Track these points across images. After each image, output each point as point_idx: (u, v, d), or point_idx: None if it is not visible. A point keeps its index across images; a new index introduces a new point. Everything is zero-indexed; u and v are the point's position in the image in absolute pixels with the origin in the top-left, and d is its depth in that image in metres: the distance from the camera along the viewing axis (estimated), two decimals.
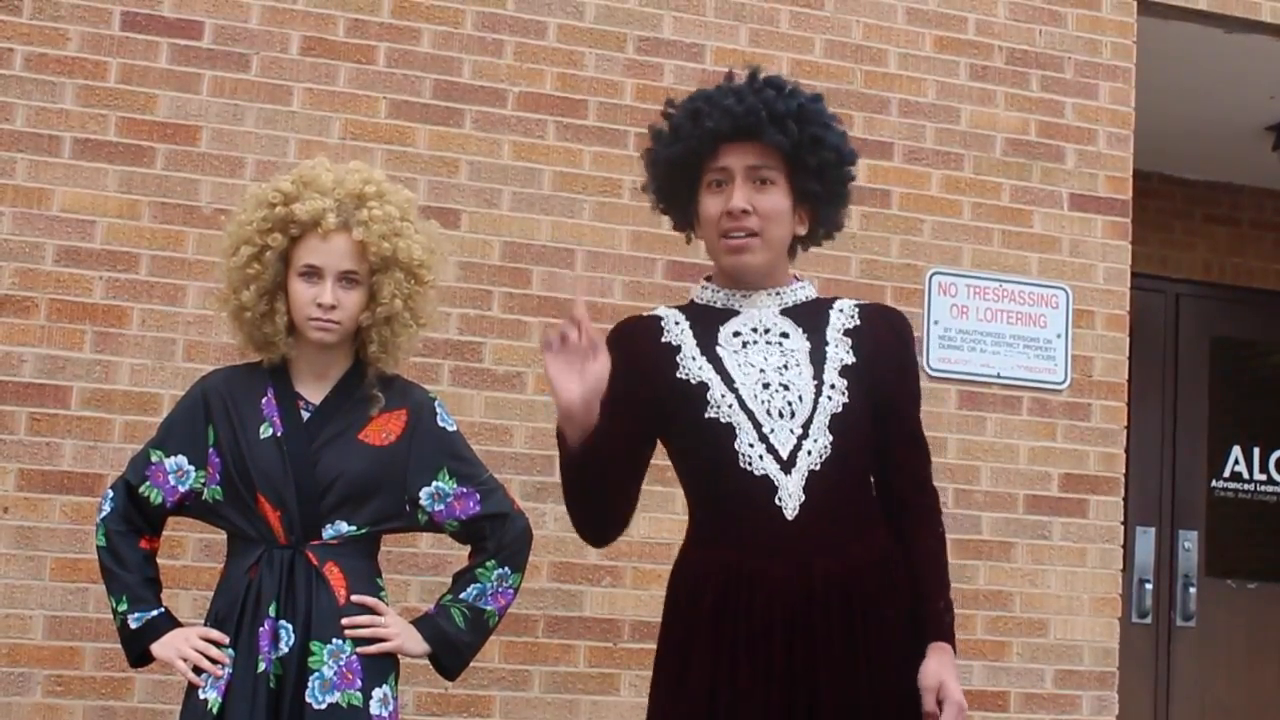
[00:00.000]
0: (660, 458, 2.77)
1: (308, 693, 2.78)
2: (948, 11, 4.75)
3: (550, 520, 4.12)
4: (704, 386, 2.67)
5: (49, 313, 3.94)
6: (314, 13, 4.22)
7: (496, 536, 2.98)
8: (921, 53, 4.72)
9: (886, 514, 2.76)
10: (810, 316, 2.76)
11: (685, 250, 4.13)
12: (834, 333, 2.74)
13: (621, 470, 2.69)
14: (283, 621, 2.81)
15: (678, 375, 2.69)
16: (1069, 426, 4.70)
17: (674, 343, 2.74)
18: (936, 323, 4.62)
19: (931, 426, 4.51)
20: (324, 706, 2.78)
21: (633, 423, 2.64)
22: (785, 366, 2.69)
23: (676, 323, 2.77)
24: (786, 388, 2.67)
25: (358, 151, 4.08)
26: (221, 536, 2.97)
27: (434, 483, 2.96)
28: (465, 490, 2.98)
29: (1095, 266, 4.79)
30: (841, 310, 2.79)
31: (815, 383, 2.67)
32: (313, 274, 2.89)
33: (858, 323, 2.78)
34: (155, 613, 2.90)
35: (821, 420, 2.65)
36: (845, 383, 2.69)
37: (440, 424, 3.00)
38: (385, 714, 2.85)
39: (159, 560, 2.98)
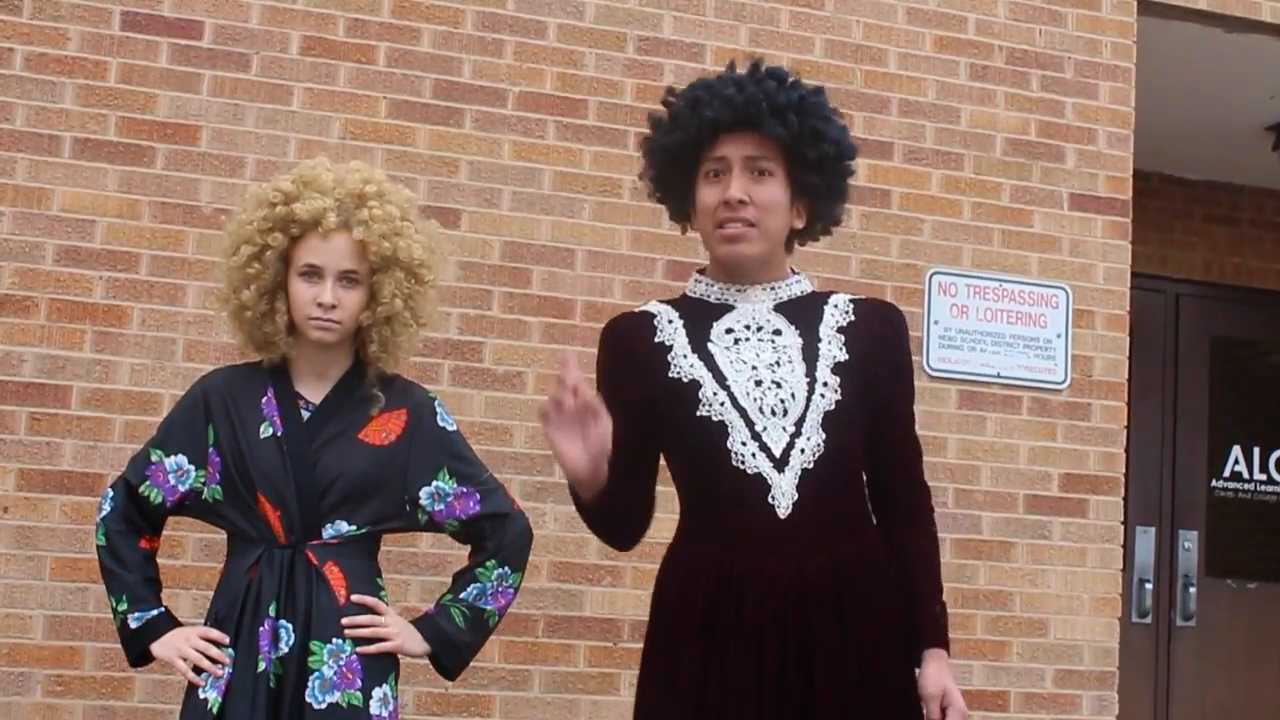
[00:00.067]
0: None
1: (308, 692, 2.78)
2: (948, 11, 4.75)
3: (550, 520, 4.12)
4: (695, 384, 2.65)
5: (49, 312, 3.94)
6: (314, 12, 4.22)
7: (496, 536, 2.98)
8: (921, 53, 4.72)
9: (879, 511, 2.75)
10: (804, 312, 2.74)
11: (685, 250, 4.14)
12: (827, 329, 2.72)
13: (636, 486, 2.68)
14: (283, 621, 2.81)
15: (670, 374, 2.68)
16: (1069, 426, 4.70)
17: (666, 342, 2.72)
18: (936, 322, 4.62)
19: (931, 426, 4.57)
20: (324, 706, 2.78)
21: (634, 426, 2.63)
22: (777, 363, 2.67)
23: (670, 320, 2.75)
24: (779, 385, 2.65)
25: (358, 151, 4.08)
26: (221, 536, 2.96)
27: (434, 482, 2.96)
28: (465, 490, 2.98)
29: (1095, 266, 4.79)
30: (836, 306, 2.77)
31: (808, 380, 2.66)
32: (313, 273, 2.89)
33: (852, 319, 2.76)
34: (155, 612, 2.90)
35: (814, 418, 2.64)
36: (838, 380, 2.67)
37: (440, 424, 3.00)
38: (385, 714, 2.85)
39: (159, 560, 2.98)
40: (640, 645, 2.73)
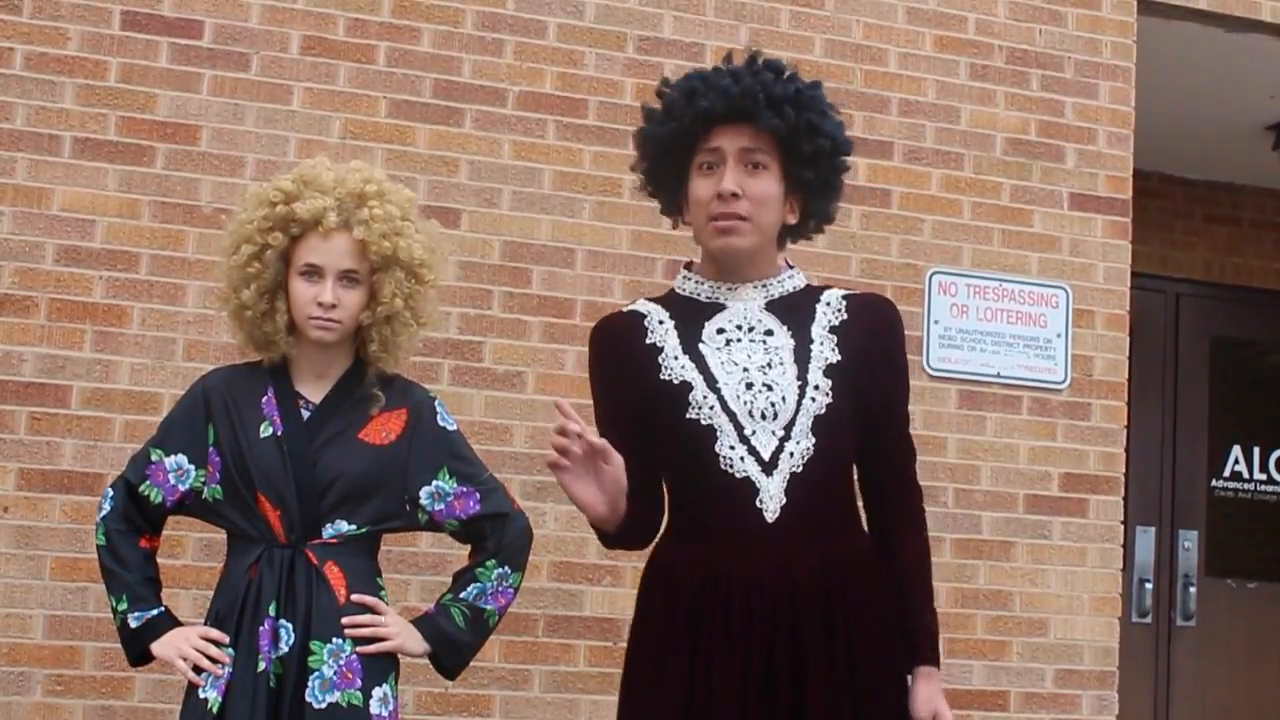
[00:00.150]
0: None
1: (308, 692, 2.78)
2: (948, 11, 4.75)
3: (550, 520, 4.12)
4: (686, 387, 2.64)
5: (49, 312, 3.94)
6: (314, 12, 4.22)
7: (496, 536, 2.98)
8: (921, 52, 4.72)
9: (870, 510, 2.73)
10: (796, 311, 2.71)
11: (685, 250, 4.12)
12: (819, 330, 2.70)
13: (646, 491, 2.67)
14: (283, 621, 2.81)
15: (661, 376, 2.66)
16: (1069, 426, 4.70)
17: (657, 343, 2.69)
18: (936, 322, 4.62)
19: (931, 426, 4.58)
20: (324, 706, 2.78)
21: (631, 428, 2.61)
22: (769, 365, 2.65)
23: (660, 321, 2.73)
24: (770, 388, 2.63)
25: (358, 151, 4.08)
26: (221, 536, 2.96)
27: (434, 482, 2.95)
28: (465, 490, 2.97)
29: (1095, 266, 4.79)
30: (829, 304, 2.74)
31: (799, 383, 2.64)
32: (313, 273, 2.89)
33: (845, 316, 2.72)
34: (155, 612, 2.90)
35: (804, 422, 2.62)
36: (830, 382, 2.65)
37: (440, 423, 2.99)
38: (385, 713, 2.85)
39: (159, 559, 2.98)
40: None
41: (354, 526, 2.89)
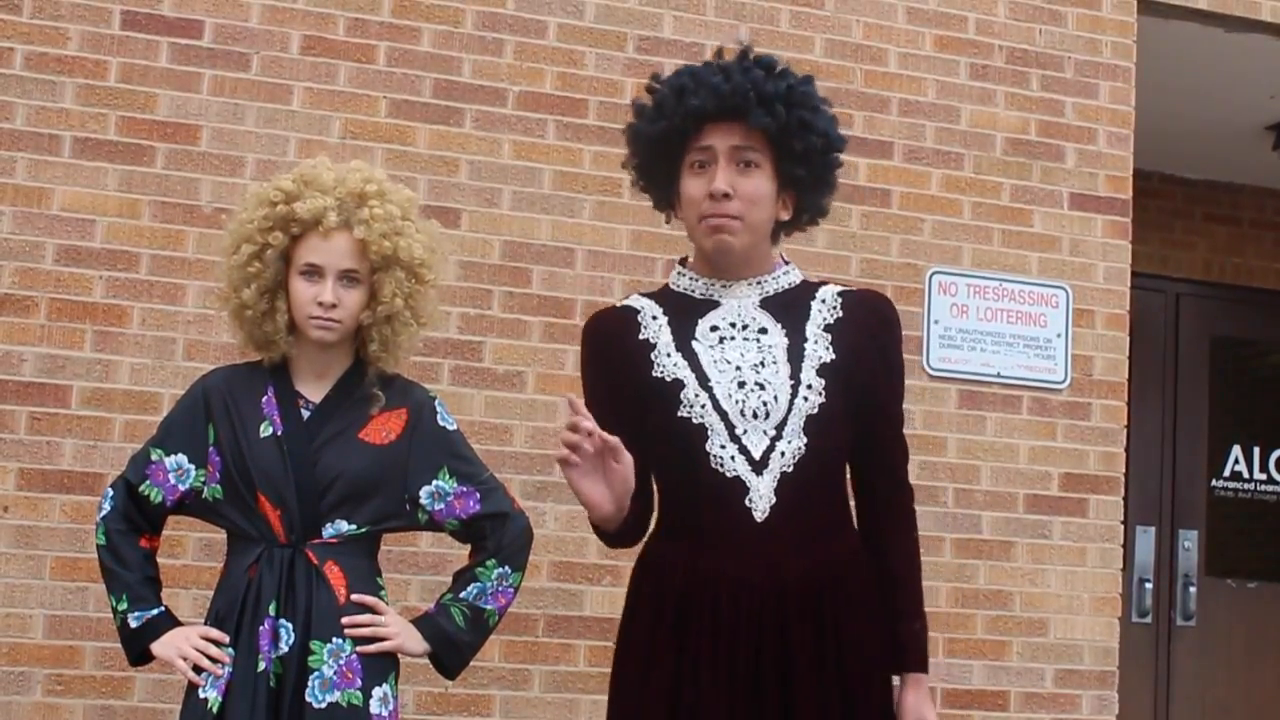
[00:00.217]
0: None
1: (308, 692, 2.78)
2: (948, 11, 4.75)
3: (550, 519, 4.12)
4: (679, 384, 2.63)
5: (49, 312, 3.94)
6: (314, 12, 4.22)
7: (496, 536, 2.98)
8: (921, 52, 4.72)
9: (861, 509, 2.72)
10: (791, 309, 2.70)
11: (685, 250, 4.12)
12: (814, 328, 2.68)
13: (639, 494, 2.65)
14: (283, 620, 2.81)
15: (653, 373, 2.65)
16: (1069, 426, 4.70)
17: (650, 340, 2.68)
18: (937, 322, 4.62)
19: (931, 426, 4.58)
20: (324, 705, 2.78)
21: (622, 426, 2.58)
22: (762, 364, 2.63)
23: (653, 316, 2.72)
24: (762, 387, 2.62)
25: (358, 151, 4.08)
26: (221, 535, 2.96)
27: (434, 482, 2.95)
28: (465, 489, 2.97)
29: (1095, 266, 4.79)
30: (824, 301, 2.72)
31: (792, 382, 2.62)
32: (313, 272, 2.89)
33: (840, 314, 2.71)
34: (155, 612, 2.90)
35: (796, 422, 2.61)
36: (823, 382, 2.63)
37: (440, 423, 2.99)
38: (385, 713, 2.85)
39: (159, 559, 2.98)
40: None
41: (354, 526, 2.89)
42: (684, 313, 2.70)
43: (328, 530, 2.87)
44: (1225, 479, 6.63)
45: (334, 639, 2.82)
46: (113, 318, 3.98)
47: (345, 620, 2.83)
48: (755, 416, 2.60)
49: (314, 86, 4.19)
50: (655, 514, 2.75)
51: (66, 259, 3.97)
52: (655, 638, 2.59)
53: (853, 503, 2.76)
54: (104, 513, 2.93)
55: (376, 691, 2.84)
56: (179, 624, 2.90)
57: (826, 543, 2.62)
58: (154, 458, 2.93)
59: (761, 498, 2.57)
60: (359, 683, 2.82)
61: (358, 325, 2.93)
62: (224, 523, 2.92)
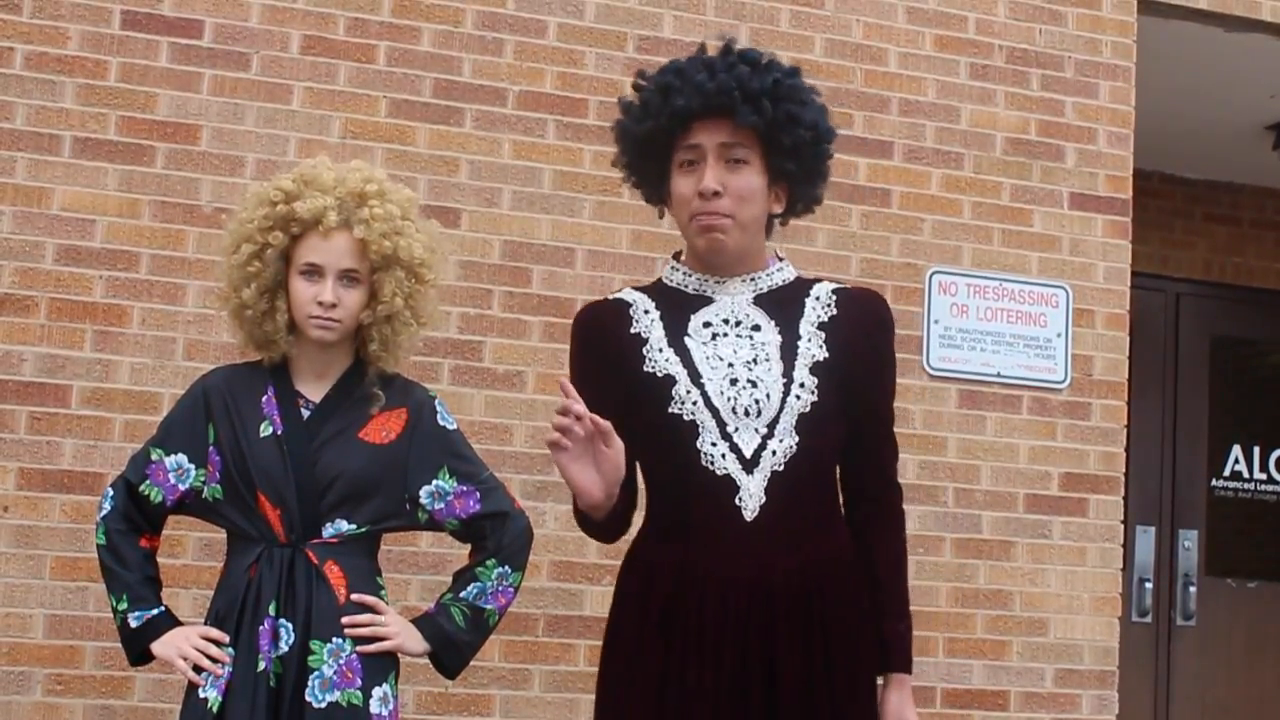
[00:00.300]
0: None
1: (307, 691, 2.78)
2: (948, 11, 4.75)
3: (550, 519, 4.12)
4: (670, 380, 2.61)
5: (49, 312, 3.94)
6: (314, 11, 4.22)
7: (496, 535, 2.98)
8: (922, 52, 4.72)
9: (850, 507, 2.70)
10: (784, 306, 2.69)
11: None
12: (808, 326, 2.67)
13: (628, 487, 2.64)
14: (282, 620, 2.81)
15: (645, 368, 2.64)
16: (1069, 426, 4.70)
17: (642, 334, 2.67)
18: (937, 322, 4.62)
19: (931, 426, 4.58)
20: (324, 705, 2.78)
21: (611, 419, 2.55)
22: (754, 361, 2.62)
23: (646, 311, 2.70)
24: (754, 384, 2.60)
25: (358, 150, 4.08)
26: (221, 535, 2.96)
27: (434, 481, 2.95)
28: (465, 489, 2.97)
29: (1095, 265, 4.79)
30: (818, 299, 2.71)
31: (784, 380, 2.61)
32: (313, 272, 2.89)
33: (834, 312, 2.70)
34: (155, 611, 2.90)
35: (788, 420, 2.60)
36: (815, 380, 2.63)
37: (440, 422, 2.99)
38: (385, 713, 2.85)
39: (159, 559, 2.98)
40: None
41: (354, 526, 2.89)
42: (677, 308, 2.69)
43: (328, 530, 2.87)
44: (1225, 479, 6.63)
45: (334, 639, 2.82)
46: (113, 317, 3.98)
47: (345, 620, 2.83)
48: (747, 414, 2.59)
49: (314, 86, 4.19)
50: (644, 511, 2.73)
51: (66, 259, 3.97)
52: (642, 636, 2.58)
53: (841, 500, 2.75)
54: (104, 512, 2.93)
55: (376, 691, 2.84)
56: (179, 624, 2.90)
57: (816, 542, 2.61)
58: (154, 457, 2.93)
59: (752, 496, 2.56)
60: (359, 682, 2.82)
61: (358, 325, 2.93)
62: (224, 523, 2.92)
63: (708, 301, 2.69)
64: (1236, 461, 6.65)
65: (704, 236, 2.64)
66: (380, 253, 2.89)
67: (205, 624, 2.87)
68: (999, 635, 4.55)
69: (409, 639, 2.90)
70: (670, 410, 2.60)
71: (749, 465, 2.57)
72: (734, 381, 2.61)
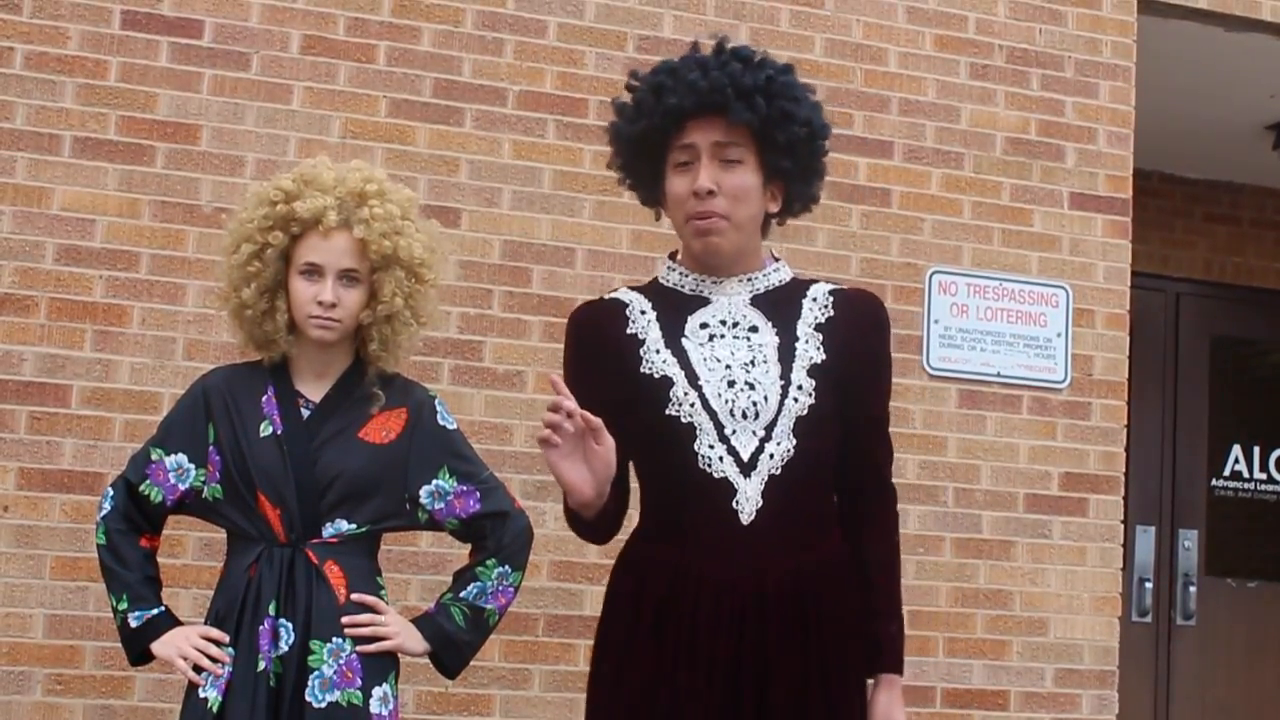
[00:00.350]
0: None
1: (308, 691, 2.78)
2: (948, 10, 4.75)
3: (550, 519, 4.12)
4: (667, 382, 2.60)
5: (49, 312, 3.94)
6: (314, 11, 4.22)
7: (496, 535, 2.98)
8: (922, 52, 4.72)
9: (844, 508, 2.69)
10: (782, 307, 2.67)
11: None
12: (805, 327, 2.66)
13: (619, 486, 2.63)
14: (283, 620, 2.81)
15: (641, 369, 2.62)
16: (1069, 425, 4.70)
17: (639, 335, 2.66)
18: (937, 321, 4.62)
19: (931, 426, 4.58)
20: (324, 705, 2.78)
21: (605, 420, 2.53)
22: (752, 363, 2.61)
23: (642, 311, 2.69)
24: (752, 386, 2.59)
25: (358, 150, 4.08)
26: (221, 535, 2.96)
27: (434, 481, 2.95)
28: (465, 488, 2.97)
29: (1095, 265, 4.79)
30: (815, 300, 2.70)
31: (782, 383, 2.60)
32: (313, 272, 2.89)
33: (831, 313, 2.69)
34: (155, 611, 2.90)
35: (786, 423, 2.58)
36: (813, 383, 2.61)
37: (440, 422, 2.99)
38: (385, 713, 2.85)
39: (159, 559, 2.98)
40: None
41: (354, 525, 2.89)
42: (673, 309, 2.67)
43: (328, 530, 2.87)
44: (1225, 479, 6.63)
45: (334, 638, 2.82)
46: (113, 317, 3.98)
47: (345, 620, 2.83)
48: (744, 417, 2.58)
49: (314, 86, 4.19)
50: (638, 512, 2.72)
51: (66, 259, 3.97)
52: (634, 637, 2.57)
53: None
54: (104, 512, 2.93)
55: (376, 691, 2.84)
56: (179, 623, 2.90)
57: (812, 546, 2.60)
58: (154, 457, 2.93)
59: (748, 500, 2.55)
60: (359, 682, 2.82)
61: (358, 325, 2.93)
62: (224, 522, 2.92)
63: (704, 302, 2.68)
64: (1236, 461, 6.66)
65: (700, 239, 2.63)
66: (380, 252, 2.89)
67: (205, 624, 2.87)
68: (999, 635, 4.55)
69: (409, 639, 2.90)
70: (668, 412, 2.59)
71: (746, 468, 2.56)
72: (732, 384, 2.60)
